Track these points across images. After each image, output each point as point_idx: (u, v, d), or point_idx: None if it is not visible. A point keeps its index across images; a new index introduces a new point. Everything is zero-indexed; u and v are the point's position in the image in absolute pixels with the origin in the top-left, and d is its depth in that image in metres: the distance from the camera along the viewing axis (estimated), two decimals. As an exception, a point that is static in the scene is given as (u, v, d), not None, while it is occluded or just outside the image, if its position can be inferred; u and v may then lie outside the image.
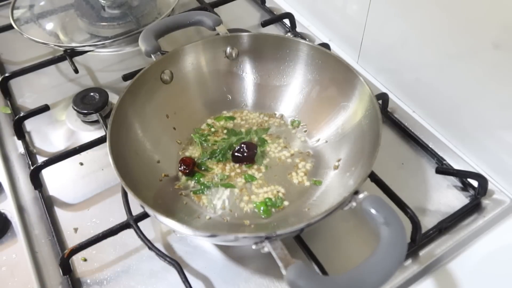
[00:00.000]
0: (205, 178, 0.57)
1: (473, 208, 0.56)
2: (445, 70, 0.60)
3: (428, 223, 0.54)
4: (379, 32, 0.70)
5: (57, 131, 0.69)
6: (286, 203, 0.54)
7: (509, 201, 0.57)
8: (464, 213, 0.55)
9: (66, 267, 0.51)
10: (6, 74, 0.74)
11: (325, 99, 0.61)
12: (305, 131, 0.62)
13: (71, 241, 0.55)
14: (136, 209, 0.54)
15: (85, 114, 0.69)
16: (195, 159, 0.59)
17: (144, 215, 0.53)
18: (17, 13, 0.83)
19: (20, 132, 0.67)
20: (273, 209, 0.54)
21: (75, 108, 0.68)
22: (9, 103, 0.73)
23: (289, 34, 0.83)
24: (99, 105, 0.69)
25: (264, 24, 0.81)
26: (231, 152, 0.58)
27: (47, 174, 0.63)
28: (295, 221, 0.52)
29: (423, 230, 0.51)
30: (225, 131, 0.62)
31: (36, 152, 0.66)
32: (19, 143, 0.67)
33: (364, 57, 0.76)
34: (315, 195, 0.55)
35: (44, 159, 0.61)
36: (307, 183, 0.56)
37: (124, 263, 0.53)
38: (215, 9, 0.85)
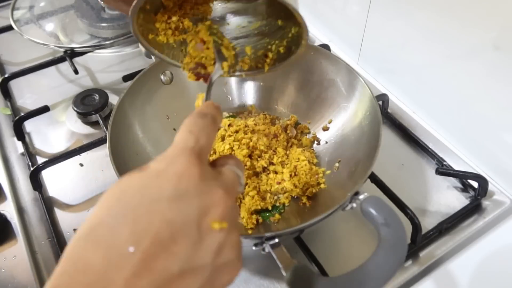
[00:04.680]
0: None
1: (473, 209, 0.56)
2: (445, 71, 0.61)
3: (428, 224, 0.54)
4: (379, 33, 0.70)
5: (57, 132, 0.69)
6: (286, 204, 0.54)
7: (509, 202, 0.57)
8: (464, 214, 0.55)
9: (66, 268, 0.51)
10: (6, 75, 0.74)
11: (325, 100, 0.61)
12: (306, 133, 0.62)
13: (71, 242, 0.55)
14: (136, 210, 0.54)
15: (85, 115, 0.69)
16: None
17: (144, 216, 0.53)
18: (17, 14, 0.83)
19: (20, 133, 0.67)
20: (274, 212, 0.54)
21: (75, 109, 0.68)
22: (9, 104, 0.73)
23: (289, 35, 0.83)
24: (99, 106, 0.69)
25: (264, 25, 0.81)
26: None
27: (47, 175, 0.63)
28: (295, 222, 0.52)
29: (423, 231, 0.51)
30: None
31: (36, 153, 0.66)
32: (19, 144, 0.67)
33: (364, 58, 0.76)
34: (315, 195, 0.55)
35: (44, 160, 0.61)
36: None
37: (124, 264, 0.52)
38: (215, 10, 0.85)
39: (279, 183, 0.54)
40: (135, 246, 0.23)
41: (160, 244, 0.24)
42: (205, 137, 0.30)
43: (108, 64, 0.81)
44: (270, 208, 0.53)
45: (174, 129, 0.62)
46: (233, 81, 0.66)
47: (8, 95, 0.75)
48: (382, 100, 0.67)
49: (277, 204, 0.54)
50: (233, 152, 0.56)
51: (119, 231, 0.24)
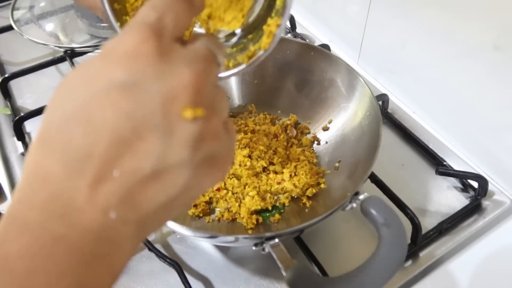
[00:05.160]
0: None
1: (473, 209, 0.56)
2: (445, 71, 0.61)
3: (428, 224, 0.54)
4: (379, 33, 0.70)
5: (57, 132, 0.69)
6: (286, 204, 0.54)
7: (509, 202, 0.57)
8: (464, 214, 0.55)
9: (66, 268, 0.51)
10: (6, 75, 0.74)
11: (325, 100, 0.61)
12: (306, 133, 0.62)
13: (71, 242, 0.55)
14: (136, 210, 0.54)
15: (85, 115, 0.69)
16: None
17: (144, 216, 0.53)
18: (17, 14, 0.83)
19: (20, 133, 0.67)
20: (274, 211, 0.54)
21: (75, 109, 0.68)
22: (9, 104, 0.73)
23: (289, 35, 0.83)
24: (99, 106, 0.68)
25: (264, 25, 0.81)
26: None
27: (47, 175, 0.62)
28: (295, 222, 0.52)
29: (423, 231, 0.51)
30: None
31: (36, 153, 0.66)
32: (19, 144, 0.67)
33: (364, 58, 0.76)
34: (315, 195, 0.55)
35: (44, 160, 0.61)
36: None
37: (124, 264, 0.52)
38: (215, 10, 0.84)
39: (279, 183, 0.54)
40: (93, 148, 0.20)
41: (122, 143, 0.20)
42: (172, 16, 0.23)
43: (108, 64, 0.81)
44: (270, 208, 0.53)
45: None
46: (233, 81, 0.66)
47: (8, 95, 0.75)
48: (382, 100, 0.67)
49: (277, 204, 0.54)
50: None
51: (71, 132, 0.20)
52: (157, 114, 0.20)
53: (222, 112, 0.24)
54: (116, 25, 0.37)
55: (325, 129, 0.61)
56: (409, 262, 0.51)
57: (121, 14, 0.38)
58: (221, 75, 0.36)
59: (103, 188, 0.20)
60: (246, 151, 0.55)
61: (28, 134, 0.69)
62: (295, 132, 0.62)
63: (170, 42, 0.23)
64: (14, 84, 0.77)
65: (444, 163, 0.61)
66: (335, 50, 0.80)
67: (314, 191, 0.54)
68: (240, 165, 0.55)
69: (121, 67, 0.21)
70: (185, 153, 0.21)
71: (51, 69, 0.78)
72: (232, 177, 0.54)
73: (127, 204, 0.21)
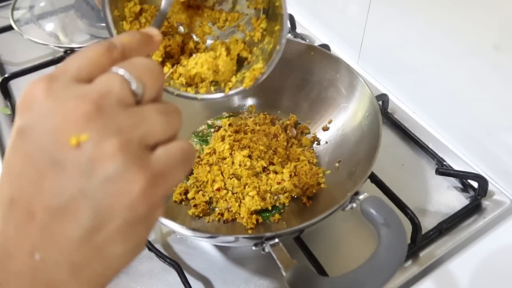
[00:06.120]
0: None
1: (473, 209, 0.56)
2: (445, 71, 0.61)
3: (428, 224, 0.54)
4: (379, 33, 0.70)
5: (57, 132, 0.69)
6: (286, 204, 0.54)
7: (509, 202, 0.57)
8: (464, 214, 0.55)
9: (66, 268, 0.51)
10: (6, 75, 0.74)
11: (325, 100, 0.61)
12: (306, 133, 0.62)
13: (71, 242, 0.55)
14: (136, 210, 0.53)
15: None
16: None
17: (144, 216, 0.53)
18: (17, 14, 0.83)
19: (20, 133, 0.67)
20: (274, 211, 0.54)
21: (75, 109, 0.68)
22: (9, 104, 0.73)
23: (289, 35, 0.83)
24: (99, 106, 0.68)
25: (264, 25, 0.81)
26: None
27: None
28: (295, 222, 0.52)
29: (423, 231, 0.51)
30: None
31: (36, 153, 0.66)
32: (19, 144, 0.67)
33: (364, 58, 0.76)
34: (315, 195, 0.55)
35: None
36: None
37: (124, 264, 0.52)
38: (215, 10, 0.85)
39: (279, 183, 0.54)
40: (14, 194, 0.22)
41: (32, 183, 0.22)
42: (77, 61, 0.25)
43: (108, 64, 0.81)
44: (270, 208, 0.53)
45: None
46: (233, 81, 0.66)
47: (8, 95, 0.75)
48: (382, 100, 0.67)
49: (277, 204, 0.54)
50: (233, 152, 0.56)
51: (2, 183, 0.23)
52: (50, 150, 0.22)
53: (131, 130, 0.23)
54: (114, 32, 0.40)
55: (325, 129, 0.61)
56: (409, 262, 0.51)
57: (120, 19, 0.40)
58: (203, 96, 0.41)
59: (26, 231, 0.22)
60: (246, 151, 0.55)
61: (28, 134, 0.69)
62: (295, 132, 0.62)
63: (65, 83, 0.23)
64: (14, 84, 0.77)
65: (444, 163, 0.61)
66: (335, 50, 0.80)
67: (314, 191, 0.54)
68: (240, 165, 0.55)
69: (18, 115, 0.23)
70: (80, 180, 0.21)
71: (51, 69, 0.78)
72: (232, 177, 0.54)
73: (48, 244, 0.22)
